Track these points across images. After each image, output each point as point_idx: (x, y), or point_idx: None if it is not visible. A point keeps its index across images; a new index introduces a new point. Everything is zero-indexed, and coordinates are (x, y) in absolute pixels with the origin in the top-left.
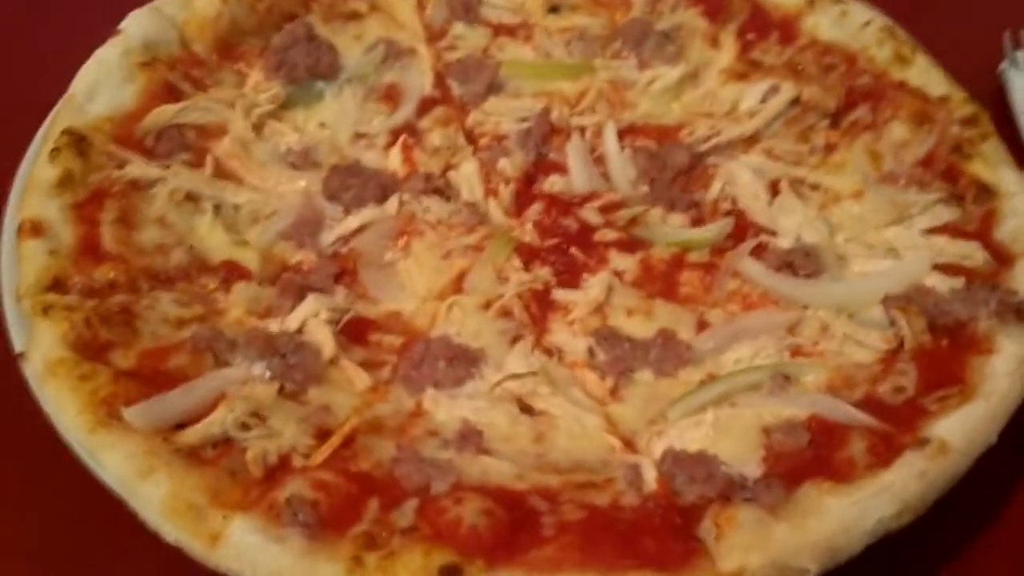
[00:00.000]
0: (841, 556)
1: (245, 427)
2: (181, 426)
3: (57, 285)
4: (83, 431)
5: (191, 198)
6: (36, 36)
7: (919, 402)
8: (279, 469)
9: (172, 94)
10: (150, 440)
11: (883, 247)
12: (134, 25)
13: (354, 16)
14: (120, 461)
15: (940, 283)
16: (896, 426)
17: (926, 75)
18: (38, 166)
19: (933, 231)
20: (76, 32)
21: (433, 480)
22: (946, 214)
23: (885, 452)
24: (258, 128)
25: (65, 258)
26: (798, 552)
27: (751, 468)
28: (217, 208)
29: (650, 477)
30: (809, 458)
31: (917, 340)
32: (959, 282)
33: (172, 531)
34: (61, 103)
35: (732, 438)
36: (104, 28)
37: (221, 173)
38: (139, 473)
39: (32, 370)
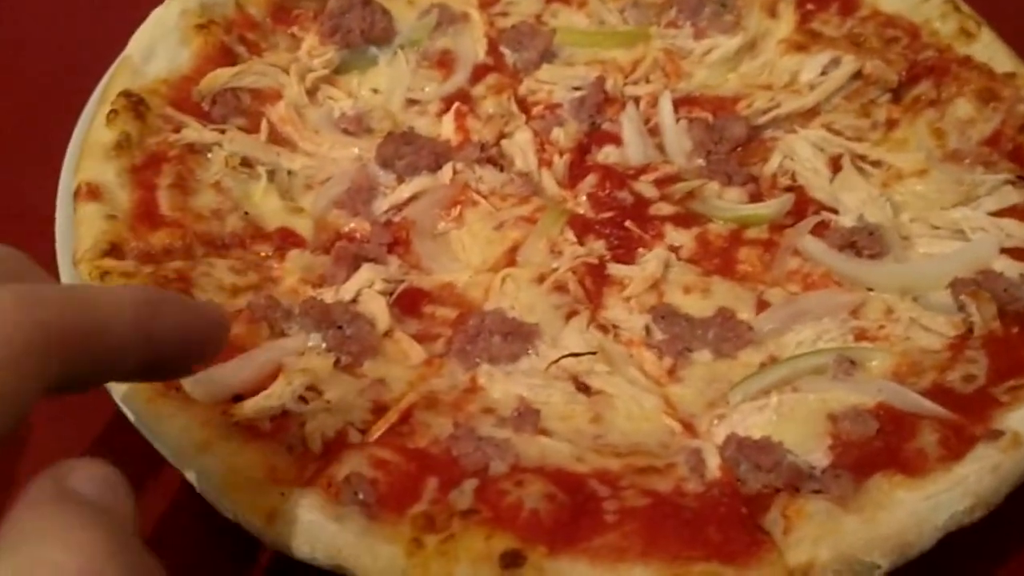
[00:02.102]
0: (912, 551)
1: (303, 400)
2: (238, 398)
3: (114, 250)
4: (141, 401)
5: (246, 163)
6: None
7: (990, 392)
8: (336, 444)
9: (227, 57)
10: (208, 411)
11: (949, 228)
12: None
13: None
14: (178, 432)
15: (1009, 268)
16: (967, 417)
17: (991, 51)
18: (94, 128)
19: (1000, 213)
20: None
21: (492, 460)
22: (1014, 196)
23: (957, 444)
24: (312, 93)
25: (122, 223)
26: (869, 546)
27: (818, 457)
28: (272, 174)
29: (713, 463)
30: (878, 448)
31: (987, 327)
32: None
33: (230, 506)
34: (117, 64)
35: (797, 424)
36: None
37: (275, 138)
38: (197, 446)
39: None
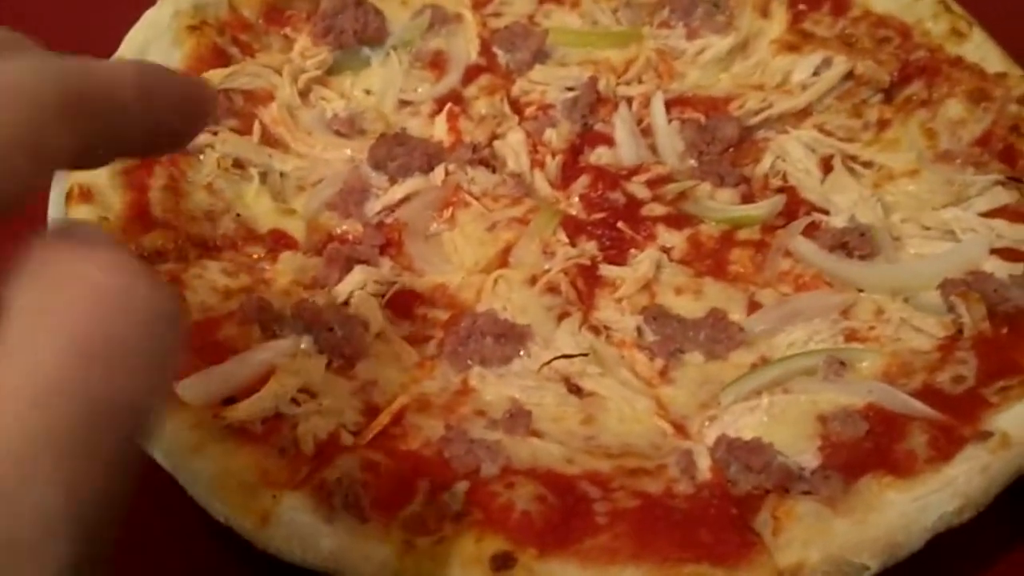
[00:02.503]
0: (901, 553)
1: (295, 402)
2: (230, 400)
3: None
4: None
5: (238, 165)
6: None
7: (979, 392)
8: (328, 447)
9: (220, 58)
10: (199, 414)
11: (940, 229)
12: None
13: None
14: (169, 435)
15: (999, 268)
16: (957, 418)
17: (983, 51)
18: None
19: (991, 214)
20: None
21: (483, 462)
22: (1005, 196)
23: (946, 445)
24: (304, 94)
25: (114, 225)
26: (858, 548)
27: (808, 458)
28: (264, 175)
29: (703, 465)
30: (868, 449)
31: (977, 327)
32: (1018, 268)
33: (222, 509)
34: None
35: (787, 425)
36: None
37: (268, 140)
38: (189, 448)
39: None
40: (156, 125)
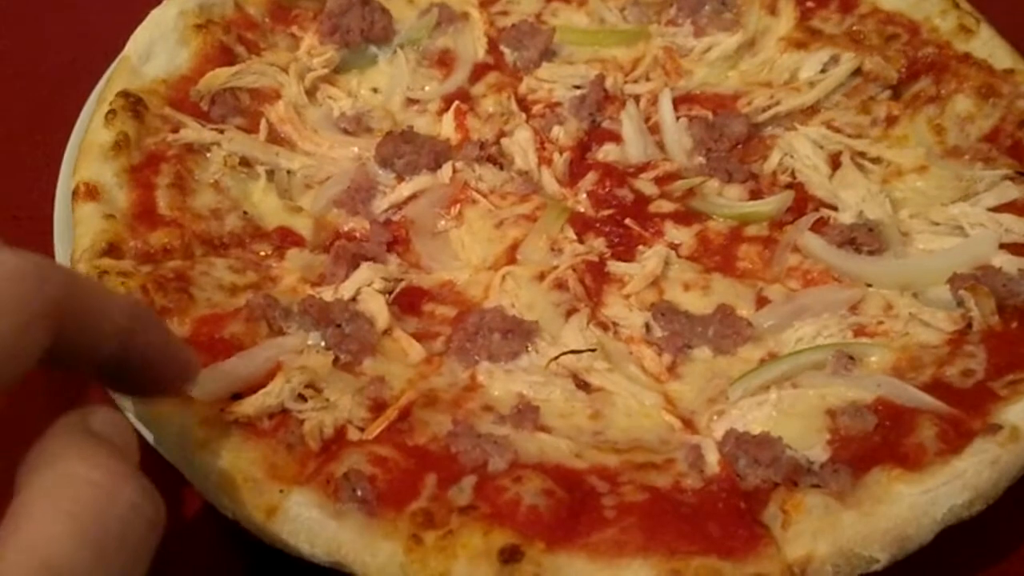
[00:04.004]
0: (911, 545)
1: (302, 398)
2: (237, 396)
3: (113, 250)
4: (139, 400)
5: (245, 163)
6: None
7: (989, 386)
8: (335, 442)
9: (226, 57)
10: (207, 410)
11: (948, 224)
12: None
13: None
14: (177, 431)
15: (1007, 263)
16: (966, 411)
17: (991, 47)
18: (93, 129)
19: (999, 209)
20: None
21: (491, 457)
22: (1013, 191)
23: (955, 438)
24: (311, 93)
25: (121, 223)
26: (867, 540)
27: (816, 452)
28: (271, 173)
29: (712, 459)
30: (876, 443)
31: (986, 321)
32: None
33: (229, 504)
34: (115, 64)
35: (796, 420)
36: None
37: (275, 138)
38: (196, 444)
39: None
40: (130, 363)
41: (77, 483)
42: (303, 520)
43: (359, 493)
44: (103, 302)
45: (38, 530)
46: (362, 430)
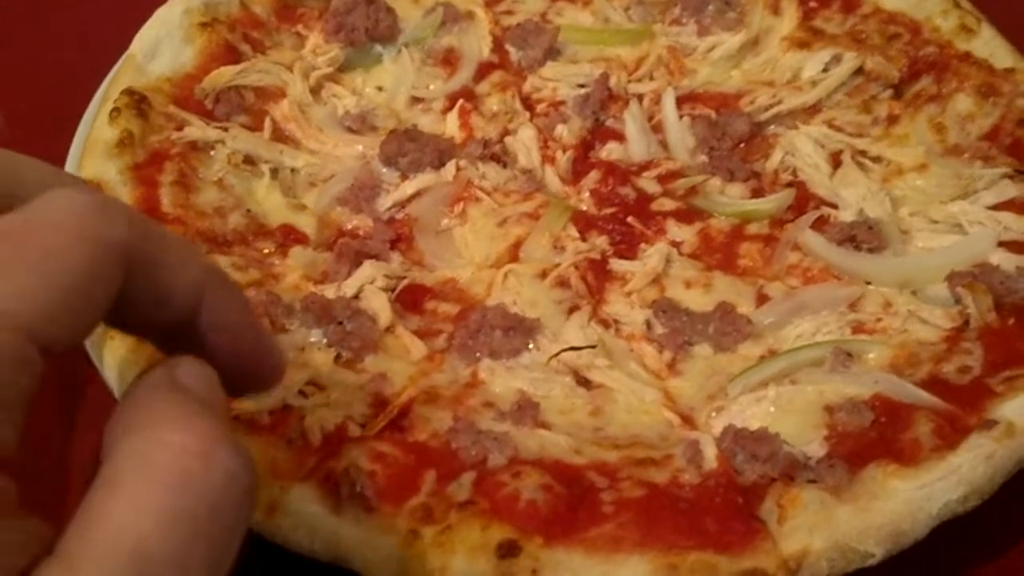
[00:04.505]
0: (906, 540)
1: (302, 395)
2: None
3: None
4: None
5: (249, 161)
6: None
7: (985, 382)
8: (335, 438)
9: (231, 55)
10: None
11: (948, 222)
12: None
13: None
14: None
15: (1006, 261)
16: (962, 407)
17: (992, 46)
18: (97, 126)
19: (998, 207)
20: None
21: (490, 453)
22: (1012, 190)
23: (951, 434)
24: (316, 91)
25: None
26: (863, 535)
27: (813, 448)
28: (275, 171)
29: (710, 454)
30: (873, 439)
31: (984, 319)
32: None
33: None
34: (121, 62)
35: (794, 416)
36: None
37: (279, 136)
38: None
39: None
40: (202, 336)
41: (170, 450)
42: (303, 516)
43: (359, 489)
44: (180, 255)
45: (128, 506)
46: (363, 426)
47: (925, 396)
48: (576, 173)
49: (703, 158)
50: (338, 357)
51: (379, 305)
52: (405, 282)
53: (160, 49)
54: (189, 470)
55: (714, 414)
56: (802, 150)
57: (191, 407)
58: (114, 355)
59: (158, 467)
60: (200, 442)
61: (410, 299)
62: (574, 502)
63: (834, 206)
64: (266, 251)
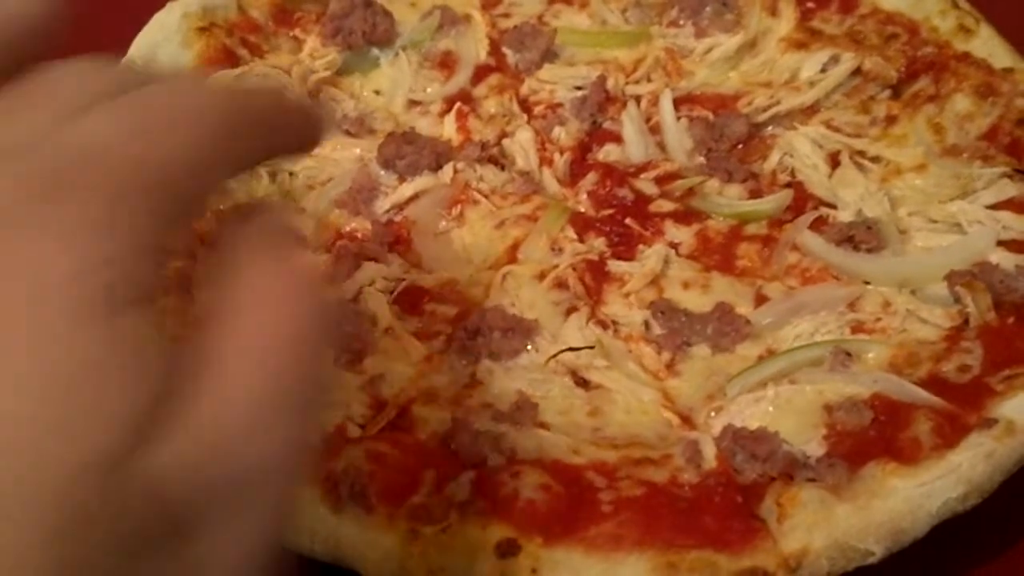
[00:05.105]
0: (905, 539)
1: None
2: None
3: None
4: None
5: None
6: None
7: (985, 381)
8: (334, 439)
9: (229, 60)
10: None
11: (947, 222)
12: None
13: None
14: None
15: (1005, 259)
16: (962, 406)
17: (990, 46)
18: None
19: (997, 206)
20: None
21: (489, 453)
22: (1011, 189)
23: (951, 433)
24: (314, 95)
25: None
26: (862, 534)
27: (813, 447)
28: (273, 174)
29: (709, 454)
30: (872, 438)
31: (983, 317)
32: None
33: None
34: None
35: (793, 415)
36: None
37: None
38: None
39: None
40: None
41: (289, 278)
42: (303, 516)
43: (358, 489)
44: (262, 100)
45: (256, 334)
46: (362, 427)
47: (924, 395)
48: (574, 175)
49: (701, 159)
50: (337, 358)
51: (378, 307)
52: (404, 284)
53: (158, 54)
54: (310, 297)
55: (713, 414)
56: (800, 151)
57: (297, 287)
58: None
59: (279, 292)
60: (308, 275)
61: (409, 301)
62: (573, 501)
63: (832, 206)
64: None
